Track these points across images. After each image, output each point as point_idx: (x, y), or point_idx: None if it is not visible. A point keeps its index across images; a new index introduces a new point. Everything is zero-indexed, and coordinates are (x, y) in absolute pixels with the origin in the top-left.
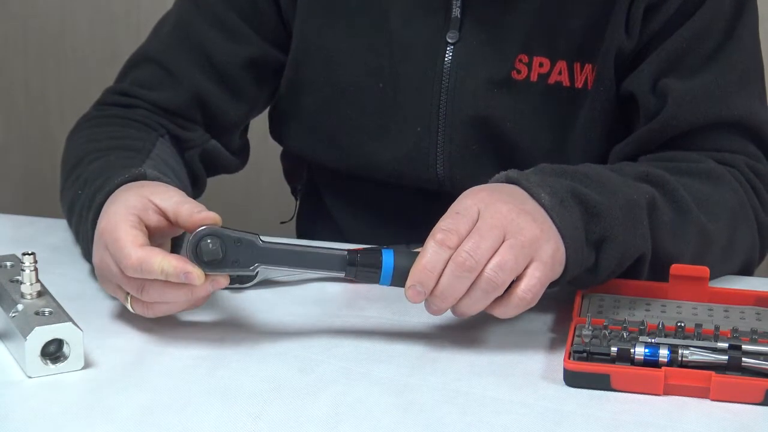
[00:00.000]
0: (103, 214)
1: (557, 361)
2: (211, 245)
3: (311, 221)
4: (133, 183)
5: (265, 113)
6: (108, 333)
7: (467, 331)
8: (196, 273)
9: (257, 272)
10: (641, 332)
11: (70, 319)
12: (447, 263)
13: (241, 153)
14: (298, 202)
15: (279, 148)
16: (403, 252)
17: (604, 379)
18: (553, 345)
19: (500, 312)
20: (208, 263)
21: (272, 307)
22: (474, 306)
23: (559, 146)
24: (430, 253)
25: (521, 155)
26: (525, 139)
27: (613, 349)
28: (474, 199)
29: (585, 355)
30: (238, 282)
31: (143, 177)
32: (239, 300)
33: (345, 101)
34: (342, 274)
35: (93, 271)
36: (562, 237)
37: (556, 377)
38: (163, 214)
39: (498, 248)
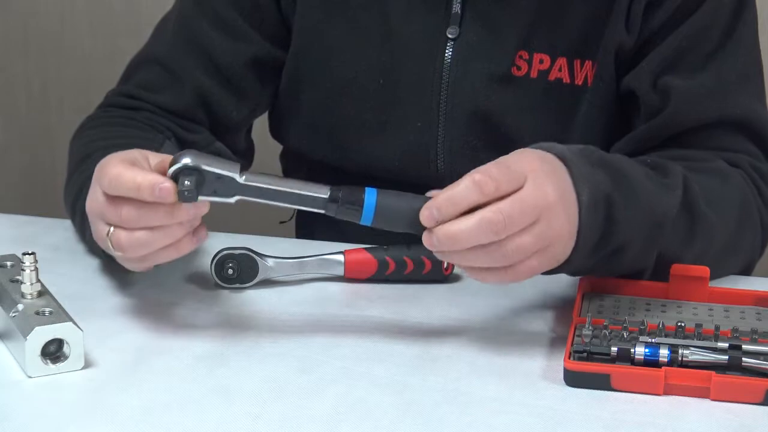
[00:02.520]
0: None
1: (557, 360)
2: (188, 183)
3: (310, 221)
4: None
5: (265, 113)
6: (108, 333)
7: (468, 331)
8: (169, 188)
9: (236, 201)
10: (641, 332)
11: (71, 319)
12: (474, 206)
13: (247, 154)
14: None
15: (278, 149)
16: (387, 192)
17: (605, 379)
18: (554, 345)
19: (479, 275)
20: (184, 197)
21: (272, 306)
22: (469, 262)
23: (559, 142)
24: (462, 187)
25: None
26: (525, 135)
27: (614, 348)
28: (529, 164)
29: (585, 354)
30: (239, 282)
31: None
32: (239, 300)
33: (345, 97)
34: (323, 211)
35: (94, 271)
36: (577, 241)
37: (557, 377)
38: (151, 169)
39: (527, 228)
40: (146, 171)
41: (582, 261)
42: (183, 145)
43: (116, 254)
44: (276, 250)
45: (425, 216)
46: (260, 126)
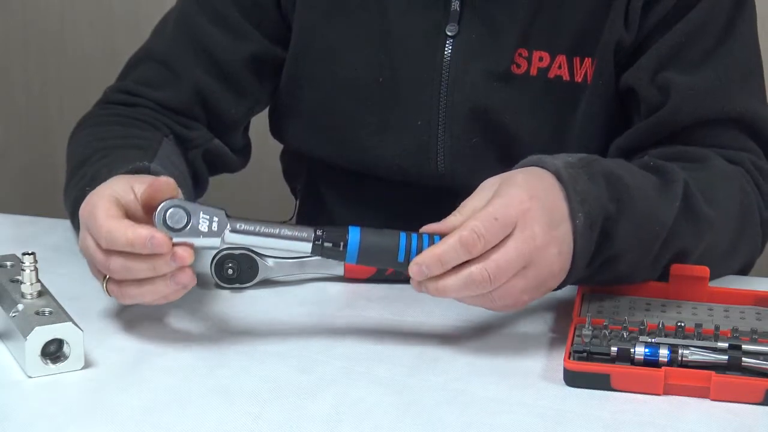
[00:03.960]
0: (85, 199)
1: (557, 360)
2: (176, 214)
3: (311, 221)
4: (127, 175)
5: (265, 112)
6: (108, 333)
7: (467, 331)
8: (161, 238)
9: (222, 242)
10: (641, 332)
11: (71, 319)
12: (461, 262)
13: (244, 152)
14: (297, 202)
15: (278, 148)
16: (371, 230)
17: (604, 379)
18: (553, 345)
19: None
20: (175, 230)
21: (272, 306)
22: (455, 296)
23: (559, 140)
24: (450, 247)
25: (521, 148)
26: (525, 133)
27: (613, 348)
28: (518, 207)
29: (585, 354)
30: (238, 282)
31: (146, 171)
32: (239, 300)
33: (344, 96)
34: (308, 251)
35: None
36: (571, 266)
37: (556, 377)
38: (138, 198)
39: (518, 273)
40: (135, 225)
41: (575, 277)
42: (181, 142)
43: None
44: (275, 251)
45: (415, 271)
46: (260, 125)
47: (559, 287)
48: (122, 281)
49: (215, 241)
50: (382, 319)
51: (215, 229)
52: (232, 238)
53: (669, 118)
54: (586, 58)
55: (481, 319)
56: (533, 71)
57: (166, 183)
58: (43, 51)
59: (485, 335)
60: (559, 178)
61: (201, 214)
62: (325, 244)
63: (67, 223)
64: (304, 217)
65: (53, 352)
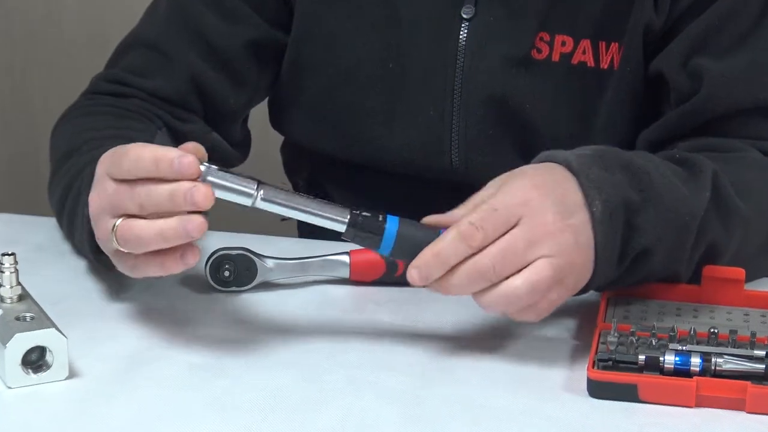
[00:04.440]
0: (104, 155)
1: (580, 370)
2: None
3: None
4: None
5: (264, 102)
6: (95, 340)
7: (483, 338)
8: (190, 159)
9: (259, 191)
10: (671, 339)
11: (54, 325)
12: (463, 258)
13: (243, 145)
14: None
15: (278, 141)
16: (409, 222)
17: (631, 390)
18: (576, 353)
19: (485, 301)
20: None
21: (273, 311)
22: (466, 293)
23: (582, 131)
24: (448, 243)
25: (541, 140)
26: (545, 123)
27: (641, 357)
28: (522, 197)
29: (610, 363)
30: (236, 285)
31: None
32: (238, 304)
33: (350, 84)
34: (342, 230)
35: (81, 272)
36: (596, 259)
37: (579, 388)
38: None
39: (526, 265)
40: (164, 147)
41: (605, 275)
42: (176, 136)
43: (116, 247)
44: (276, 250)
45: (413, 276)
46: (259, 117)
47: (588, 289)
48: (132, 227)
49: (246, 200)
50: (391, 324)
51: (248, 190)
52: (263, 205)
53: (700, 107)
54: (613, 43)
55: (498, 326)
56: (555, 57)
57: (195, 148)
58: (26, 35)
59: (502, 342)
60: (570, 168)
61: (236, 176)
62: (360, 231)
63: (51, 221)
64: None
65: (35, 360)
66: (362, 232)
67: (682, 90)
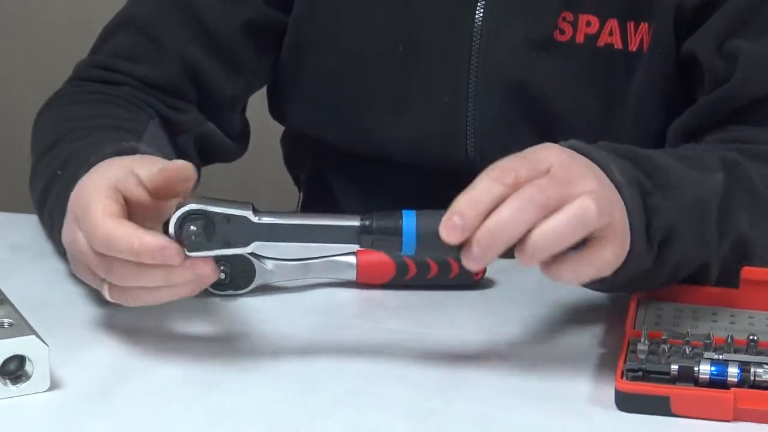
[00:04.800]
0: (77, 187)
1: (608, 381)
2: (194, 228)
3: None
4: (121, 157)
5: (263, 92)
6: (78, 348)
7: (502, 346)
8: (173, 249)
9: (252, 249)
10: (707, 347)
11: (34, 332)
12: (493, 203)
13: (241, 137)
14: (301, 194)
15: (278, 133)
16: (427, 212)
17: (663, 403)
18: (603, 362)
19: (552, 268)
20: (193, 248)
21: (272, 317)
22: (509, 236)
23: (609, 119)
24: (481, 186)
25: (564, 129)
26: (569, 111)
27: (674, 367)
28: (548, 152)
29: (640, 374)
30: (232, 288)
31: (133, 152)
32: (233, 310)
33: (356, 67)
34: (355, 247)
35: (63, 274)
36: (630, 222)
37: (607, 400)
38: (143, 185)
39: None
40: (142, 230)
41: (639, 249)
42: (169, 127)
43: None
44: (276, 249)
45: (447, 227)
46: (257, 106)
47: (625, 273)
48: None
49: (242, 251)
50: (401, 331)
51: (242, 238)
52: (263, 246)
53: (736, 92)
54: (642, 24)
55: (518, 333)
56: (579, 38)
57: (184, 169)
58: (4, 18)
59: (522, 351)
60: (575, 147)
61: (226, 221)
62: (377, 235)
63: (31, 219)
64: (310, 211)
65: (14, 371)
66: (379, 235)
67: (716, 73)
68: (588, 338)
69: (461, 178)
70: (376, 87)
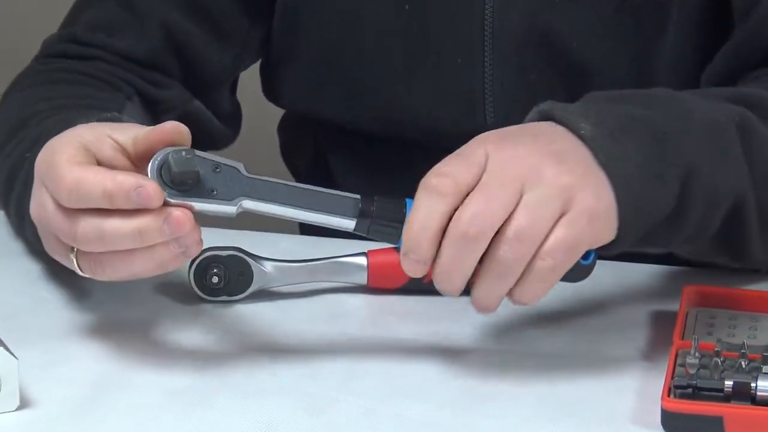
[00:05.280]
0: (42, 151)
1: (652, 398)
2: (185, 155)
3: None
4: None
5: (256, 78)
6: (53, 361)
7: (532, 358)
8: (151, 188)
9: (239, 208)
10: (765, 360)
11: (2, 344)
12: (443, 222)
13: (232, 119)
14: None
15: (274, 120)
16: None
17: (716, 423)
18: (647, 377)
19: (517, 294)
20: (177, 184)
21: (272, 326)
22: (490, 293)
23: (642, 72)
24: (422, 207)
25: (593, 85)
26: (597, 67)
27: (728, 383)
28: (481, 141)
29: (690, 390)
30: (226, 294)
31: (119, 120)
32: (227, 317)
33: (357, 32)
34: (351, 226)
35: (36, 278)
36: (610, 177)
37: (651, 420)
38: (122, 150)
39: (512, 209)
40: (114, 171)
41: (645, 201)
42: (150, 105)
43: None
44: (276, 250)
45: (407, 265)
46: (251, 88)
47: (637, 223)
48: (99, 253)
49: (228, 208)
50: (417, 342)
51: (230, 191)
52: (251, 206)
53: (762, 26)
54: None
55: (549, 343)
56: None
57: (177, 129)
58: None
59: (554, 363)
60: (541, 114)
61: (213, 168)
62: (376, 221)
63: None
64: None
65: None
66: (379, 221)
67: (741, 9)
68: (630, 350)
69: None
70: (380, 52)
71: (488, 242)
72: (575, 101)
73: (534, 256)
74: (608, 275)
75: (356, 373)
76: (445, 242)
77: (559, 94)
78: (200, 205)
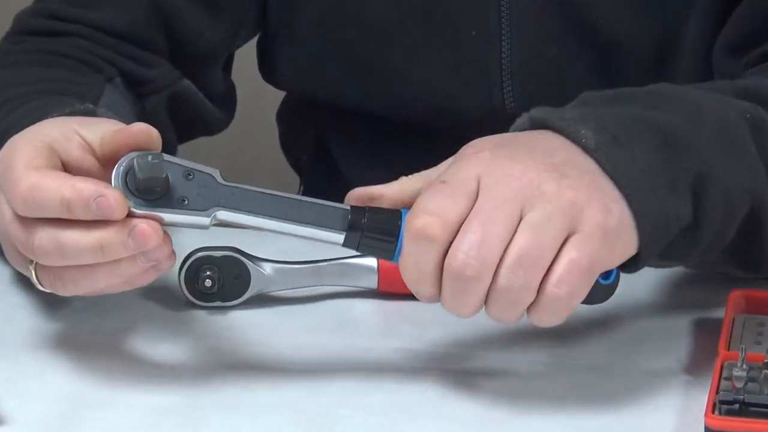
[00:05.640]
0: (4, 147)
1: (695, 416)
2: (152, 159)
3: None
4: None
5: (252, 48)
6: (24, 374)
7: (563, 372)
8: (113, 198)
9: (213, 220)
10: None
11: None
12: (438, 263)
13: (225, 101)
14: (302, 185)
15: (272, 106)
16: None
17: None
18: (690, 391)
19: (534, 319)
20: (143, 192)
21: (270, 335)
22: (503, 318)
23: (671, 44)
24: (408, 253)
25: (620, 60)
26: (624, 36)
27: None
28: (470, 160)
29: (737, 407)
30: (221, 299)
31: (92, 114)
32: (221, 326)
33: (362, 4)
34: (339, 241)
35: (5, 283)
36: (620, 188)
37: None
38: (90, 150)
39: (513, 233)
40: (75, 178)
41: (661, 212)
42: (134, 86)
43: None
44: (276, 250)
45: (423, 299)
46: (247, 70)
47: (653, 236)
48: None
49: (201, 220)
50: (432, 354)
51: (203, 200)
52: (227, 217)
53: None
54: None
55: (582, 356)
56: None
57: (145, 132)
58: None
59: (586, 378)
60: (533, 122)
61: (185, 176)
62: (367, 234)
63: None
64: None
65: None
66: (371, 234)
67: None
68: (670, 362)
69: None
70: (386, 24)
71: (491, 276)
72: (605, 78)
73: (544, 282)
74: (644, 279)
75: (364, 388)
76: (445, 281)
77: (584, 73)
78: (169, 216)
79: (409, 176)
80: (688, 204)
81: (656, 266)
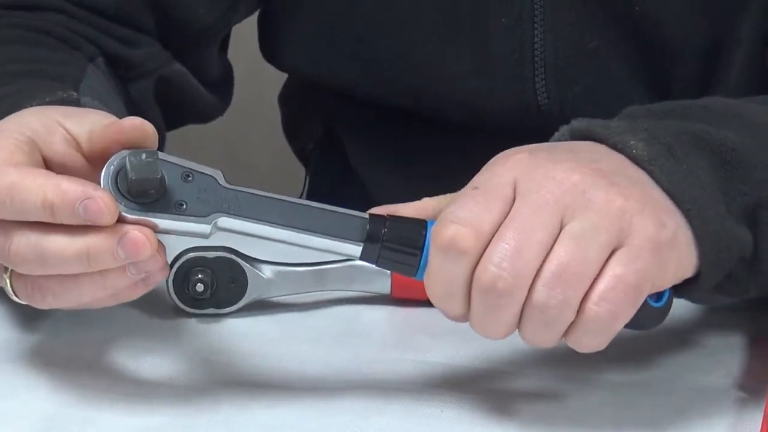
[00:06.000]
0: None
1: None
2: (146, 158)
3: (330, 199)
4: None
5: (253, 21)
6: (1, 390)
7: (598, 390)
8: (102, 200)
9: (214, 228)
10: None
11: None
12: (469, 279)
13: (221, 85)
14: (307, 179)
15: (273, 90)
16: None
17: None
18: (744, 410)
19: (572, 342)
20: (136, 195)
21: (270, 347)
22: (537, 341)
23: (722, 40)
24: (436, 268)
25: (666, 56)
26: (671, 29)
27: None
28: (505, 163)
29: None
30: (214, 305)
31: (76, 104)
32: (214, 335)
33: None
34: (356, 253)
35: None
36: (677, 202)
37: None
38: (76, 144)
39: (552, 244)
40: (60, 177)
41: (719, 234)
42: (118, 69)
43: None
44: (276, 250)
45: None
46: (246, 50)
47: (712, 261)
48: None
49: (201, 227)
50: (450, 367)
51: (203, 205)
52: (230, 224)
53: None
54: None
55: (622, 372)
56: None
57: (140, 128)
58: None
59: (632, 398)
60: (574, 133)
61: (183, 177)
62: (386, 245)
63: None
64: (319, 195)
65: None
66: (391, 246)
67: None
68: (721, 377)
69: (534, 137)
70: (408, 11)
71: (526, 291)
72: (649, 75)
73: (585, 300)
74: None
75: (374, 407)
76: (474, 298)
77: (627, 64)
78: (165, 223)
79: (434, 197)
80: (745, 229)
81: (707, 302)
